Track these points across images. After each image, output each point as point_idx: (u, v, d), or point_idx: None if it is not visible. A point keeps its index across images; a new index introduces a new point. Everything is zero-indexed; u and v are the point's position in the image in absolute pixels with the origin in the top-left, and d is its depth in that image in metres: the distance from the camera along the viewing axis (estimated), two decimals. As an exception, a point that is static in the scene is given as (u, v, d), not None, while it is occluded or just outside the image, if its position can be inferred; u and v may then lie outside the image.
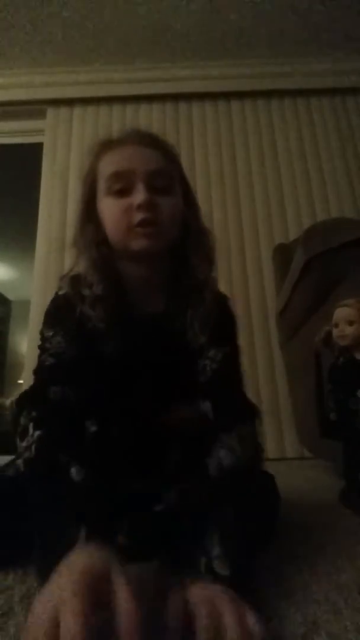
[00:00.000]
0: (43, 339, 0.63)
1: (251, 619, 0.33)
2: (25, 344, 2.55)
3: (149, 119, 2.41)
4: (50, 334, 0.62)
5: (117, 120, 2.40)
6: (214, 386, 0.62)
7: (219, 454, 0.51)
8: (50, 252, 2.16)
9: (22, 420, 0.52)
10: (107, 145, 0.66)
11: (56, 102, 2.42)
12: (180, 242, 0.66)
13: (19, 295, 5.03)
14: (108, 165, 0.63)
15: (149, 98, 2.43)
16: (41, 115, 2.43)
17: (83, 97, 2.41)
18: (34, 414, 0.52)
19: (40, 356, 0.62)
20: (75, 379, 0.58)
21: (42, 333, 0.64)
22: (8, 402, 4.73)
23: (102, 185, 0.64)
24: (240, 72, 2.46)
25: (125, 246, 0.62)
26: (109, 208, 0.63)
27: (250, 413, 0.59)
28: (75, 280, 0.66)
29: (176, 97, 2.44)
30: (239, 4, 2.13)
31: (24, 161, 2.58)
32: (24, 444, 0.50)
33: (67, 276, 0.67)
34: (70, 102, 2.42)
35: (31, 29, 2.19)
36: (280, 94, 2.48)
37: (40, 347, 0.63)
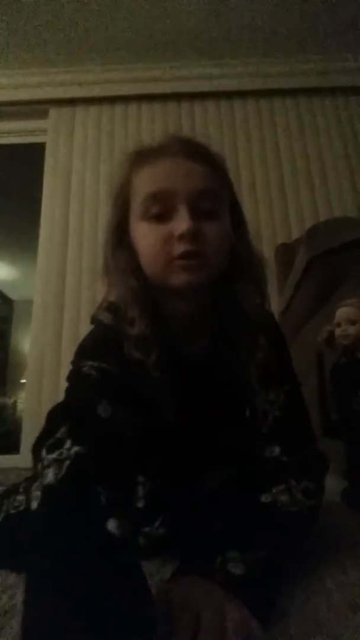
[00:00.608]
0: (79, 367, 0.53)
1: (252, 622, 0.33)
2: (28, 344, 2.56)
3: (151, 118, 2.41)
4: (95, 364, 0.52)
5: (119, 120, 2.40)
6: (282, 431, 0.55)
7: (278, 496, 0.47)
8: (52, 251, 2.17)
9: (59, 434, 0.42)
10: (143, 157, 0.56)
11: (58, 102, 2.41)
12: (227, 271, 0.56)
13: (22, 295, 5.03)
14: (145, 184, 0.54)
15: (151, 98, 2.42)
16: (43, 115, 2.43)
17: (85, 97, 2.41)
18: (76, 429, 0.42)
19: (77, 374, 0.52)
20: (128, 399, 0.49)
21: (77, 365, 0.54)
22: (11, 401, 4.74)
23: (136, 207, 0.54)
24: (242, 71, 2.46)
25: (163, 280, 0.53)
26: (145, 236, 0.53)
27: (322, 468, 0.55)
28: (114, 311, 0.57)
29: (178, 97, 2.44)
30: (241, 3, 2.12)
31: (27, 161, 2.58)
32: (53, 455, 0.40)
33: (103, 306, 0.59)
34: (72, 102, 2.42)
35: (33, 29, 2.19)
36: (283, 93, 2.47)
37: (74, 372, 0.53)
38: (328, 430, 1.04)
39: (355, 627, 0.39)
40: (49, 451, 0.40)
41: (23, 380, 4.16)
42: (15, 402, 4.70)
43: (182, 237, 0.50)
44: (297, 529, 0.49)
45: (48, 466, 0.38)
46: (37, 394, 1.94)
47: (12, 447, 2.11)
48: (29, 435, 1.91)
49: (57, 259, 2.14)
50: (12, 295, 5.24)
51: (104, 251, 0.60)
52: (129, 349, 0.53)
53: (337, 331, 0.99)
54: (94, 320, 0.60)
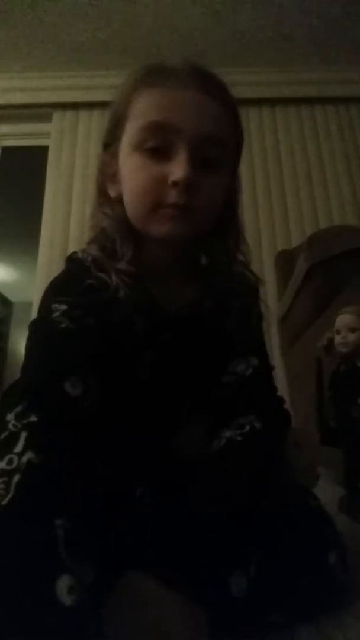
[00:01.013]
0: (46, 313, 0.45)
1: None
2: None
3: (154, 124, 2.42)
4: (65, 307, 0.44)
5: (122, 125, 2.41)
6: (248, 396, 0.52)
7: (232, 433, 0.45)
8: (53, 254, 2.17)
9: (11, 421, 0.33)
10: (151, 77, 0.48)
11: (62, 106, 2.43)
12: (212, 228, 0.51)
13: (21, 297, 5.02)
14: (147, 109, 0.46)
15: (155, 104, 2.44)
16: (47, 118, 2.44)
17: (89, 101, 2.42)
18: (32, 418, 0.33)
19: (43, 324, 0.44)
20: (103, 353, 0.42)
21: (44, 307, 0.46)
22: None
23: (132, 133, 0.47)
24: (244, 79, 2.46)
25: (144, 227, 0.48)
26: (135, 171, 0.47)
27: (283, 420, 0.53)
28: (96, 247, 0.51)
29: (181, 104, 2.45)
30: (244, 11, 2.14)
31: (29, 164, 2.59)
32: (2, 463, 0.31)
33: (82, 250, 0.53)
34: (76, 106, 2.43)
35: (38, 33, 2.21)
36: (285, 101, 2.49)
37: (39, 322, 0.46)
38: (326, 437, 1.04)
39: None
40: None
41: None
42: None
43: (175, 185, 0.44)
44: (258, 461, 0.45)
45: None
46: (35, 397, 1.93)
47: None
48: (25, 438, 1.89)
49: (57, 261, 2.13)
50: (12, 297, 5.23)
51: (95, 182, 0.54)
52: (110, 286, 0.46)
53: (337, 338, 0.99)
54: (68, 259, 0.53)
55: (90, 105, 2.43)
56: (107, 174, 0.52)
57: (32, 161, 2.51)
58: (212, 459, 0.46)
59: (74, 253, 0.53)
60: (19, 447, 0.31)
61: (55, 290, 0.48)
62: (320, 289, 1.30)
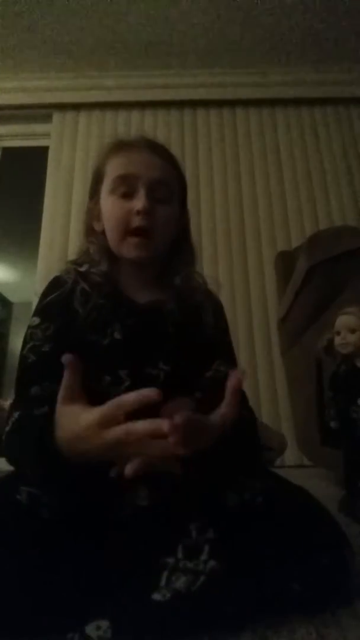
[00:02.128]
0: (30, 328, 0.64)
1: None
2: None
3: (154, 125, 2.42)
4: (37, 322, 0.64)
5: (122, 126, 2.41)
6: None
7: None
8: (52, 254, 2.17)
9: (9, 421, 0.55)
10: (116, 147, 0.69)
11: (62, 107, 2.44)
12: (170, 251, 0.70)
13: (21, 297, 5.03)
14: (115, 167, 0.66)
15: (154, 105, 2.44)
16: (47, 119, 2.45)
17: (89, 102, 2.43)
18: (15, 415, 0.54)
19: (22, 351, 0.63)
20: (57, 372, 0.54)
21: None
22: (7, 404, 4.72)
23: (107, 185, 0.67)
24: (245, 80, 2.48)
25: (118, 250, 0.66)
26: (111, 207, 0.66)
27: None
28: (77, 263, 0.69)
29: (181, 104, 2.46)
30: (244, 13, 2.15)
31: (29, 164, 2.59)
32: (9, 427, 0.54)
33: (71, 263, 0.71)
34: (76, 107, 2.44)
35: (38, 34, 2.22)
36: (285, 102, 2.49)
37: (24, 339, 0.64)
38: (326, 438, 1.04)
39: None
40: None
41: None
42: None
43: (138, 213, 0.63)
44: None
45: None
46: (35, 397, 1.93)
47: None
48: (25, 438, 1.89)
49: (57, 261, 2.14)
50: (11, 297, 5.23)
51: (85, 216, 0.74)
52: (86, 292, 0.63)
53: (337, 339, 0.99)
54: (51, 281, 0.70)
55: (90, 106, 2.44)
56: (93, 215, 0.71)
57: (32, 161, 2.52)
58: None
59: (56, 277, 0.70)
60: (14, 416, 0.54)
61: (39, 312, 0.65)
62: (320, 290, 1.31)
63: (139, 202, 0.63)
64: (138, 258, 0.65)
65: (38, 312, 0.65)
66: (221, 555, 0.43)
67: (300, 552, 0.45)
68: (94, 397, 0.47)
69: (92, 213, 0.72)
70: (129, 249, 0.65)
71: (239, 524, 0.47)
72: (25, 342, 0.63)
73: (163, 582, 0.40)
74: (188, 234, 0.75)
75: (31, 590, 0.40)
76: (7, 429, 0.53)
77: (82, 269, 0.67)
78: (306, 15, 2.17)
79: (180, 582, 0.40)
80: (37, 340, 0.62)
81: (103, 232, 0.69)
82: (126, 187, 0.64)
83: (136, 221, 0.63)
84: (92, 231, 0.72)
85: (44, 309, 0.65)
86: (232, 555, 0.43)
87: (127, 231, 0.64)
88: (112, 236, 0.66)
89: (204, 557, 0.42)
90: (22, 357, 0.62)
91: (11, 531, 0.44)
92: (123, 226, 0.64)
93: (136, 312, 0.66)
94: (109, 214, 0.66)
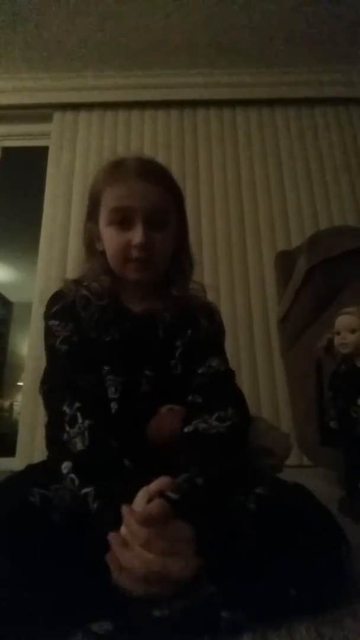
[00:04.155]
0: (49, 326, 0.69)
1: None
2: (26, 346, 2.55)
3: (154, 125, 2.42)
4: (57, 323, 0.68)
5: (122, 126, 2.41)
6: (203, 388, 0.66)
7: (198, 425, 0.57)
8: (52, 254, 2.17)
9: (68, 410, 0.56)
10: (112, 174, 0.71)
11: (62, 107, 2.44)
12: (171, 263, 0.74)
13: (21, 297, 5.02)
14: (111, 198, 0.69)
15: (154, 105, 2.44)
16: (47, 119, 2.45)
17: (89, 102, 2.43)
18: (77, 404, 0.56)
19: (51, 345, 0.66)
20: (91, 365, 0.64)
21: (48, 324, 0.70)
22: (7, 403, 4.72)
23: (104, 214, 0.70)
24: (245, 80, 2.48)
25: (121, 273, 0.70)
26: (110, 238, 0.69)
27: (232, 399, 0.63)
28: (78, 281, 0.74)
29: (181, 104, 2.46)
30: (244, 13, 2.15)
31: (29, 164, 2.59)
32: (75, 430, 0.54)
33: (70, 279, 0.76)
34: (76, 107, 2.44)
35: (39, 34, 2.22)
36: (285, 102, 2.49)
37: (47, 335, 0.68)
38: (326, 438, 1.04)
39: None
40: (70, 425, 0.55)
41: (20, 383, 4.15)
42: (11, 405, 4.68)
43: (136, 246, 0.66)
44: (222, 448, 0.56)
45: (74, 436, 0.53)
46: (34, 397, 1.92)
47: (7, 450, 2.09)
48: (24, 438, 1.89)
49: (57, 261, 2.14)
50: (11, 297, 5.23)
51: (83, 236, 0.77)
52: (90, 301, 0.69)
53: (337, 339, 0.99)
54: (54, 294, 0.74)
55: (90, 106, 2.44)
56: (93, 235, 0.74)
57: (32, 161, 2.52)
58: (183, 439, 0.58)
59: (57, 291, 0.75)
60: (79, 420, 0.55)
61: (53, 316, 0.70)
62: (320, 290, 1.31)
63: (136, 236, 0.66)
64: (139, 280, 0.70)
65: (52, 317, 0.69)
66: (219, 580, 0.43)
67: (296, 557, 0.45)
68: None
69: (92, 233, 0.74)
70: (130, 272, 0.69)
71: (234, 530, 0.47)
72: (51, 337, 0.67)
73: (163, 602, 0.41)
74: (187, 245, 0.77)
75: (37, 591, 0.41)
76: (70, 430, 0.55)
77: (84, 284, 0.72)
78: (306, 16, 2.16)
79: (180, 603, 0.41)
80: (66, 331, 0.66)
81: (103, 252, 0.72)
82: (123, 218, 0.67)
83: (135, 253, 0.67)
84: (93, 250, 0.75)
85: (56, 314, 0.69)
86: (227, 562, 0.43)
87: (127, 260, 0.68)
88: (113, 262, 0.70)
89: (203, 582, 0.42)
90: (55, 350, 0.65)
91: (23, 533, 0.44)
92: (123, 256, 0.68)
93: (131, 319, 0.71)
94: (109, 243, 0.70)
